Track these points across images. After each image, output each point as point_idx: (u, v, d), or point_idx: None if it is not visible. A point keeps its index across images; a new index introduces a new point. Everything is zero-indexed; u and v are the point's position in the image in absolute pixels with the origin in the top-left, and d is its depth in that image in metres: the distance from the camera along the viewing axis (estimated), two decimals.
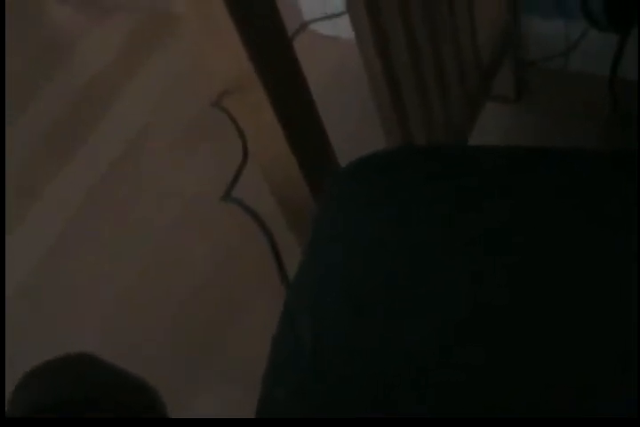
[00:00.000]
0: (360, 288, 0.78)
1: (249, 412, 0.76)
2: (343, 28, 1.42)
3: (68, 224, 1.64)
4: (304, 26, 1.27)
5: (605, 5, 1.27)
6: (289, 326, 0.79)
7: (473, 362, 0.71)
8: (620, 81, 1.47)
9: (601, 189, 0.81)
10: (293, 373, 0.75)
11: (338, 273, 0.80)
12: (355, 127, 1.51)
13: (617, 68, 1.47)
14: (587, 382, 0.68)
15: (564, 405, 0.68)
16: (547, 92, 1.59)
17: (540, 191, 0.82)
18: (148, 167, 1.70)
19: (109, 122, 1.79)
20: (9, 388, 0.61)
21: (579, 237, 0.77)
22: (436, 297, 0.75)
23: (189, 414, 1.25)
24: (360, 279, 0.79)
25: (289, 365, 0.76)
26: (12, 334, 1.45)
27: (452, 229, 0.80)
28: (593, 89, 1.52)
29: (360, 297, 0.78)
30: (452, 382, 0.70)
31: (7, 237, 1.62)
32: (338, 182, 0.88)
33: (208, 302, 1.47)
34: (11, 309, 1.50)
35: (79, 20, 2.08)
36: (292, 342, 0.78)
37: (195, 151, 1.69)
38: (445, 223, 0.81)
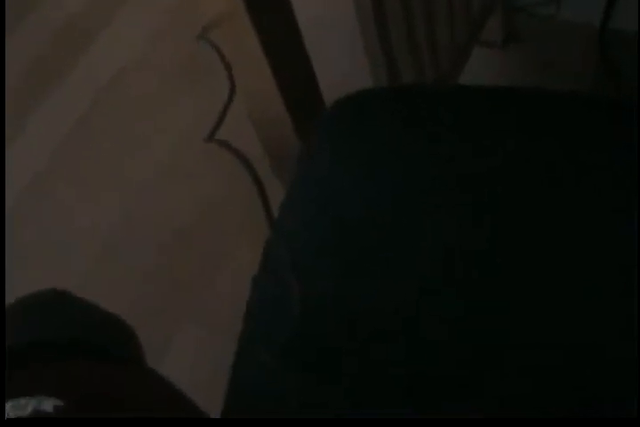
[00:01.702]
0: (341, 233, 0.77)
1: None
2: None
3: (49, 161, 1.61)
4: None
5: None
6: (271, 276, 0.78)
7: (453, 315, 0.71)
8: (610, 31, 1.46)
9: (582, 131, 0.80)
10: (280, 335, 0.74)
11: (319, 217, 0.80)
12: (343, 67, 1.47)
13: (608, 18, 1.46)
14: (566, 333, 0.69)
15: (545, 360, 0.68)
16: (535, 39, 1.57)
17: (519, 132, 0.81)
18: (133, 104, 1.66)
19: (93, 57, 1.75)
20: None
21: (559, 182, 0.77)
22: (416, 249, 0.74)
23: (166, 355, 1.25)
24: (340, 223, 0.78)
25: (274, 327, 0.75)
26: None
27: (431, 173, 0.79)
28: (582, 38, 1.50)
29: (341, 244, 0.77)
30: (436, 338, 0.70)
31: None
32: (322, 123, 0.86)
33: (192, 245, 1.45)
34: None
35: None
36: (274, 295, 0.77)
37: (182, 88, 1.64)
38: (424, 166, 0.80)
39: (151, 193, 1.50)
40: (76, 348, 0.54)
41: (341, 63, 1.47)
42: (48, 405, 0.46)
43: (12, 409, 0.46)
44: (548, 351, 0.68)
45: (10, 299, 0.66)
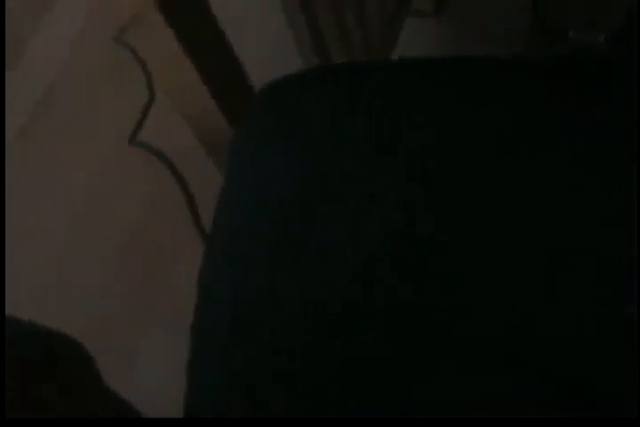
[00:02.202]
0: (275, 217, 0.76)
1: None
2: None
3: None
4: None
5: None
6: (208, 282, 0.78)
7: (400, 298, 0.70)
8: None
9: (529, 97, 0.79)
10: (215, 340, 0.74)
11: (254, 202, 0.79)
12: (270, 53, 1.46)
13: None
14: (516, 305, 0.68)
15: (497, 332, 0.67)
16: (467, 5, 1.56)
17: (460, 102, 0.80)
18: (62, 114, 1.64)
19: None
20: None
21: (509, 151, 0.75)
22: (359, 230, 0.73)
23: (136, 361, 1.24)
24: (277, 206, 0.77)
25: (211, 332, 0.75)
26: None
27: (370, 152, 0.78)
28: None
29: (276, 229, 0.76)
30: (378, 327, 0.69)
31: None
32: (252, 108, 0.85)
33: (142, 250, 1.43)
34: None
35: None
36: (211, 303, 0.76)
37: (106, 92, 1.61)
38: (358, 144, 0.79)
39: (94, 199, 1.48)
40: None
41: (266, 48, 1.45)
42: None
43: None
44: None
45: None
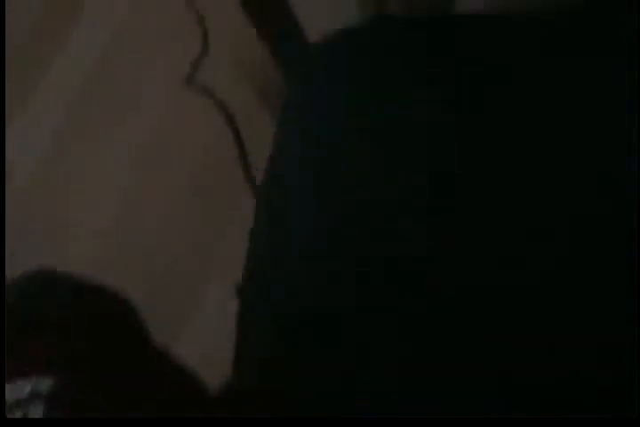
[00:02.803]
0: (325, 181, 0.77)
1: None
2: None
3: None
4: None
5: None
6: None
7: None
8: None
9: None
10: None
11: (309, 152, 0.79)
12: (326, 6, 1.43)
13: None
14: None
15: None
16: None
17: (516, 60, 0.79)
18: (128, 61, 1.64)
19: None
20: None
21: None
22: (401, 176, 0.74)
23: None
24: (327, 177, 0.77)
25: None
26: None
27: (439, 109, 0.76)
28: None
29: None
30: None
31: None
32: (305, 62, 0.84)
33: (200, 203, 1.44)
34: None
35: None
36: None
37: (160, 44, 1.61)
38: (426, 102, 0.77)
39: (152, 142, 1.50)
40: (68, 326, 0.54)
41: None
42: (44, 385, 0.47)
43: (10, 392, 0.46)
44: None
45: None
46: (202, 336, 1.25)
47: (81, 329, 0.53)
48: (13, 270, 0.60)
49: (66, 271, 0.59)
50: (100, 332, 0.54)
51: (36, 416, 0.45)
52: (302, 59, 0.86)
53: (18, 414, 0.46)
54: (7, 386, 0.47)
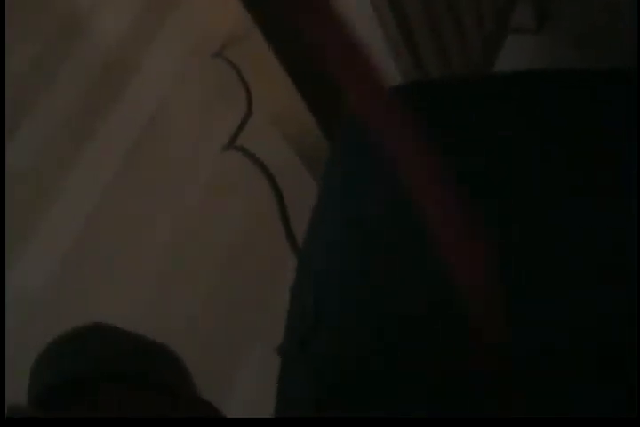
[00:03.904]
0: (364, 246, 0.77)
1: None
2: None
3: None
4: None
5: None
6: (298, 295, 0.79)
7: None
8: None
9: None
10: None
11: (346, 225, 0.79)
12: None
13: None
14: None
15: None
16: (569, 18, 1.54)
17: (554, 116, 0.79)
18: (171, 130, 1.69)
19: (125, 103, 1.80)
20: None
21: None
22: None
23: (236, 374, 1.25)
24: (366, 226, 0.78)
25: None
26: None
27: (471, 173, 0.77)
28: (619, 8, 1.46)
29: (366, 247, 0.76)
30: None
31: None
32: (345, 129, 0.86)
33: (242, 265, 1.46)
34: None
35: None
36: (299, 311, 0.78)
37: (205, 109, 1.67)
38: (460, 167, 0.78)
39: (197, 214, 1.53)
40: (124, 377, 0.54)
41: None
42: None
43: None
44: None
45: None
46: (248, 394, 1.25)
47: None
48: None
49: (112, 326, 0.60)
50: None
51: None
52: (339, 127, 0.87)
53: None
54: None
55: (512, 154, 0.77)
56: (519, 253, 0.70)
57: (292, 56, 0.87)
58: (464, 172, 0.74)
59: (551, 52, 1.52)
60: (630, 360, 0.62)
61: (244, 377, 1.29)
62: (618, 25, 1.46)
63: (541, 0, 1.52)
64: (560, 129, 0.78)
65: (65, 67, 1.88)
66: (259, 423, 0.52)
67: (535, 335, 0.65)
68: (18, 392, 0.58)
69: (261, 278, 1.39)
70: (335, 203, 0.81)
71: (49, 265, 1.55)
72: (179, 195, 1.56)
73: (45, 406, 0.51)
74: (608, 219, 0.70)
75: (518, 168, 0.76)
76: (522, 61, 1.48)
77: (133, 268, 1.52)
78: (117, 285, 1.50)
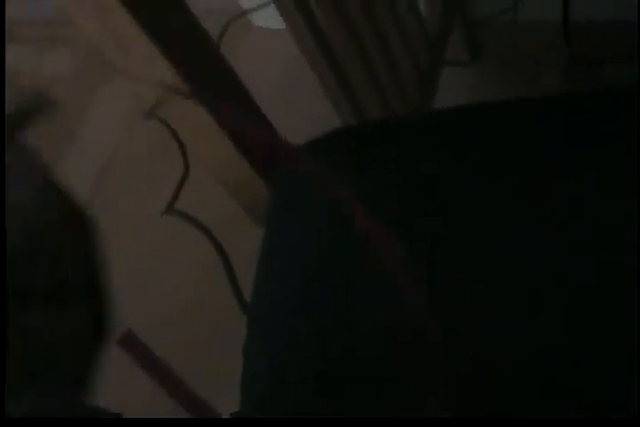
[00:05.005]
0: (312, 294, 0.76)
1: None
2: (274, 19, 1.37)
3: None
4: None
5: None
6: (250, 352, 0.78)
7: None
8: (572, 23, 1.46)
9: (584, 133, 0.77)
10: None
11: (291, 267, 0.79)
12: (307, 112, 1.46)
13: (568, 11, 1.45)
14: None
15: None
16: (501, 47, 1.57)
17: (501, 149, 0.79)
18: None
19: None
20: None
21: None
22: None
23: None
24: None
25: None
26: None
27: (406, 216, 0.77)
28: (547, 36, 1.50)
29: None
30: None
31: None
32: (281, 176, 0.86)
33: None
34: None
35: None
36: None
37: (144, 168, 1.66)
38: (395, 210, 0.78)
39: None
40: None
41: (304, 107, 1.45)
42: None
43: None
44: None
45: None
46: None
47: None
48: None
49: None
50: None
51: None
52: (282, 169, 0.87)
53: None
54: None
55: (440, 186, 0.77)
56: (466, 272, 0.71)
57: (227, 112, 0.87)
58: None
59: (488, 80, 1.54)
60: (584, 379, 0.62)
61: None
62: (549, 53, 1.49)
63: (472, 31, 1.55)
64: (493, 160, 0.78)
65: None
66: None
67: (499, 354, 0.65)
68: None
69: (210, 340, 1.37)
70: (277, 244, 0.81)
71: None
72: (124, 258, 1.54)
73: None
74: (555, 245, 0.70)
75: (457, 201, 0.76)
76: (462, 93, 1.50)
77: None
78: None
